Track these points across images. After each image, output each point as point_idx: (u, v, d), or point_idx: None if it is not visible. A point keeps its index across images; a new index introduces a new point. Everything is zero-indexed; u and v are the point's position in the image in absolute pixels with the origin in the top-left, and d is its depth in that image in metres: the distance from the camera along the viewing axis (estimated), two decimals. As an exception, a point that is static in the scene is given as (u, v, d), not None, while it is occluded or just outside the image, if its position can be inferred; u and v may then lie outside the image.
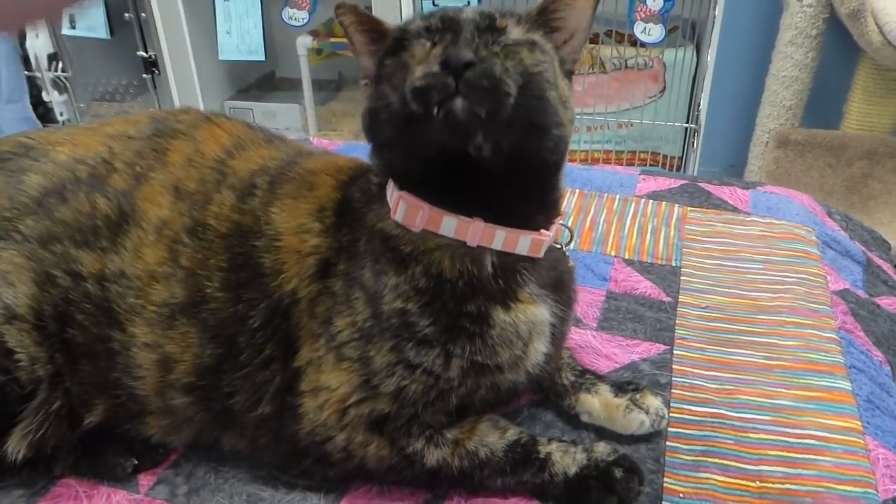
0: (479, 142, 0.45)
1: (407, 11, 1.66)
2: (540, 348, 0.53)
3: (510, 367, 0.52)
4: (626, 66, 1.91)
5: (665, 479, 0.53)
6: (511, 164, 0.47)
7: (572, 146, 2.00)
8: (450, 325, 0.49)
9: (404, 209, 0.50)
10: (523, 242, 0.51)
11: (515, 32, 0.48)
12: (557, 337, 0.55)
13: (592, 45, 1.86)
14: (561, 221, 0.56)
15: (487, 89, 0.43)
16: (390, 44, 0.50)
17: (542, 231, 0.52)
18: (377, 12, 1.63)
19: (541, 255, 0.52)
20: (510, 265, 0.51)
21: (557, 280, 0.55)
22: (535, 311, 0.52)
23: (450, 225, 0.49)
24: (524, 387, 0.57)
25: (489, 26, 0.48)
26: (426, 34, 0.47)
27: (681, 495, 0.52)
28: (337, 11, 0.53)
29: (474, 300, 0.50)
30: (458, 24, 0.47)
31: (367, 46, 0.53)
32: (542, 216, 0.53)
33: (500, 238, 0.50)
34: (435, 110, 0.43)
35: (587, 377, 0.61)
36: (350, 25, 0.53)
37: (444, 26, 0.47)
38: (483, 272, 0.50)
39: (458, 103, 0.43)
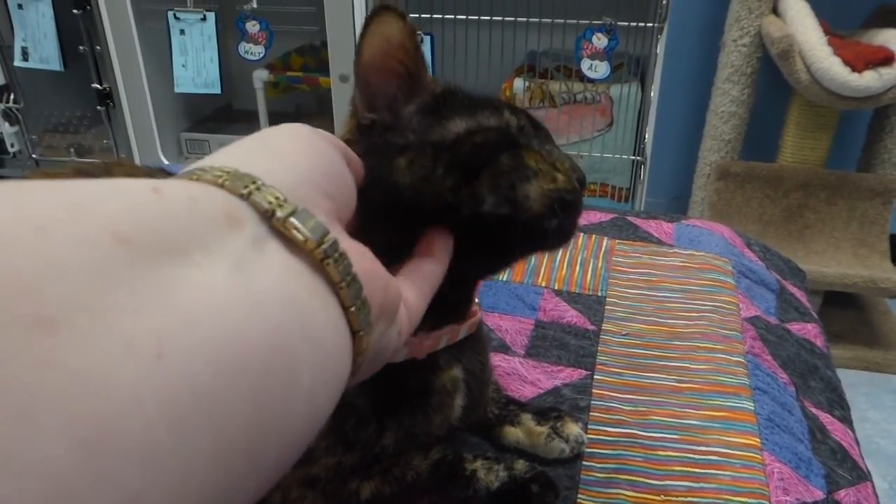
0: None
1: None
2: (460, 402, 0.55)
3: (439, 427, 0.54)
4: (575, 101, 1.98)
5: (578, 496, 0.57)
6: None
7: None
8: (389, 400, 0.50)
9: None
10: (463, 332, 0.51)
11: None
12: (474, 389, 0.55)
13: (542, 80, 1.93)
14: None
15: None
16: (495, 137, 0.42)
17: (474, 308, 0.53)
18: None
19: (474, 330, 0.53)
20: None
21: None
22: (452, 374, 0.53)
23: (401, 353, 0.47)
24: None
25: None
26: (521, 134, 0.45)
27: (591, 510, 0.56)
28: (378, 16, 0.40)
29: (415, 375, 0.51)
30: (545, 130, 0.47)
31: (391, 84, 0.41)
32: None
33: (443, 341, 0.50)
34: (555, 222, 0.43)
35: (510, 409, 0.63)
36: (397, 49, 0.40)
37: (535, 130, 0.46)
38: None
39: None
